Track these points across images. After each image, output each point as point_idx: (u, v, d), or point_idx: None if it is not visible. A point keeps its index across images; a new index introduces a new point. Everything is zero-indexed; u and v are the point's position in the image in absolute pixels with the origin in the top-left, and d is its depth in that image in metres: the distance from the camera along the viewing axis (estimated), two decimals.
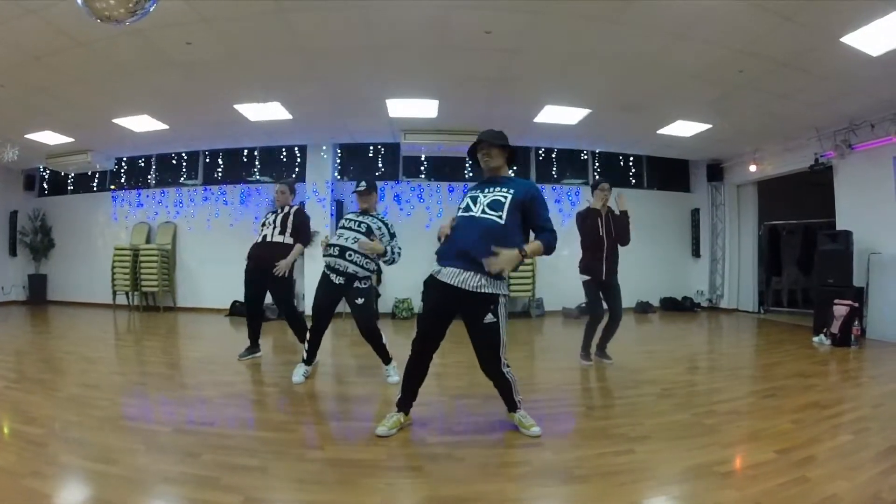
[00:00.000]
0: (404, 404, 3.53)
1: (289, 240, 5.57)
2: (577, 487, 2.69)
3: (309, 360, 4.96)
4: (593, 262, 5.66)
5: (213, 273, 10.63)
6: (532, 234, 3.40)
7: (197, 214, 10.98)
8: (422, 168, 10.75)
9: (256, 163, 10.87)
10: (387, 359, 4.93)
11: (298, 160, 10.64)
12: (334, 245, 4.67)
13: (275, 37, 5.54)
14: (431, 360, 3.48)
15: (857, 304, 7.14)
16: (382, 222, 4.86)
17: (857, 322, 7.07)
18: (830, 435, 3.44)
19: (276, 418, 3.93)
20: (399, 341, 6.99)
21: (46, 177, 12.02)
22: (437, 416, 3.92)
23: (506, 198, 3.28)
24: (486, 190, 3.37)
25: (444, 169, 10.74)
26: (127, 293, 10.87)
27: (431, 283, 3.32)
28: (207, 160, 11.15)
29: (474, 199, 3.37)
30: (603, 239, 5.64)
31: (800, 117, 7.99)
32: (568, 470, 2.88)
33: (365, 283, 4.78)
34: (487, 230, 3.19)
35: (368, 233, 4.68)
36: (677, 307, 11.29)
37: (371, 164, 10.61)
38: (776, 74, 6.31)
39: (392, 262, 4.77)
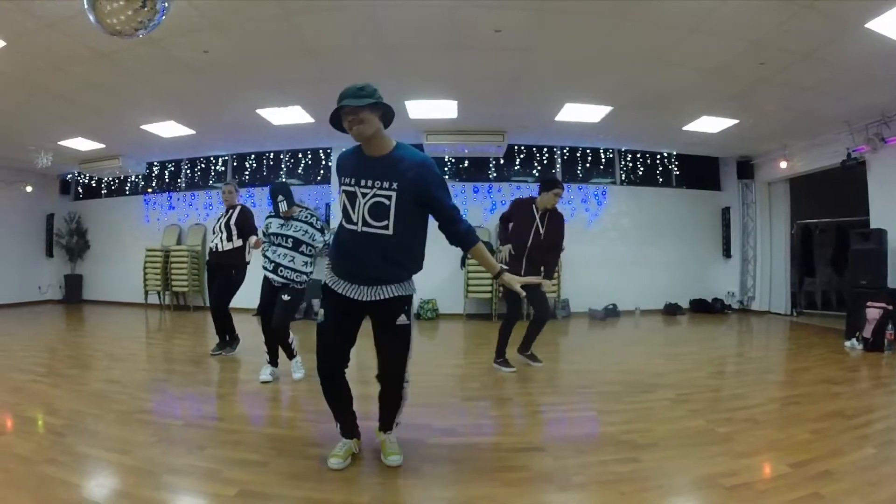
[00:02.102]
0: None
1: (238, 242, 5.84)
2: (574, 495, 2.64)
3: (275, 362, 5.03)
4: (514, 258, 5.30)
5: None
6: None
7: None
8: (446, 169, 10.71)
9: (283, 165, 11.01)
10: (291, 354, 5.00)
11: (323, 162, 10.77)
12: (269, 259, 4.80)
13: (286, 41, 5.58)
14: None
15: (891, 307, 6.79)
16: (307, 223, 4.84)
17: (890, 325, 6.76)
18: (852, 447, 3.25)
19: (285, 415, 4.02)
20: (422, 340, 7.06)
21: (81, 181, 12.41)
22: (442, 417, 3.91)
23: (390, 199, 2.63)
24: (364, 182, 2.66)
25: (468, 169, 10.71)
26: (158, 293, 11.16)
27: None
28: (235, 163, 11.35)
29: (351, 198, 2.69)
30: (530, 237, 5.35)
31: (828, 110, 7.69)
32: (566, 477, 2.81)
33: (300, 286, 4.87)
34: (377, 249, 2.68)
35: (297, 246, 4.77)
36: (707, 309, 11.03)
37: None
38: (800, 66, 6.06)
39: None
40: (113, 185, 12.31)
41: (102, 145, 9.67)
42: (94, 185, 12.39)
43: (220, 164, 11.39)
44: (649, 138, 10.21)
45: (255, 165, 11.16)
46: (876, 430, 3.63)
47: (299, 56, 5.97)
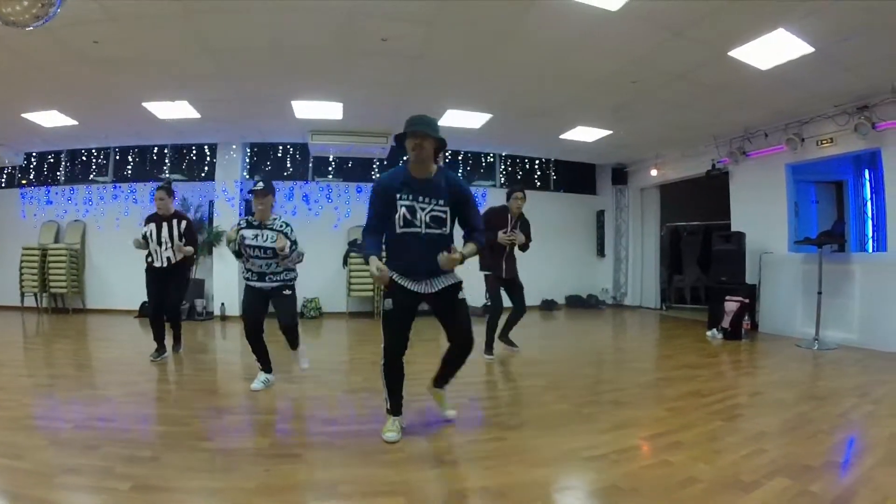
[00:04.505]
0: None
1: (188, 249, 5.74)
2: (445, 471, 2.89)
3: (268, 368, 4.77)
4: (494, 259, 5.86)
5: (123, 274, 10.18)
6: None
7: (107, 213, 10.65)
8: (330, 168, 10.86)
9: (167, 161, 10.69)
10: (298, 343, 4.93)
11: (208, 158, 10.55)
12: (252, 271, 4.58)
13: (181, 37, 5.51)
14: None
15: (747, 300, 7.61)
16: (281, 233, 4.56)
17: (747, 317, 7.57)
18: (703, 421, 3.65)
19: (173, 413, 3.98)
20: (307, 338, 7.09)
21: None
22: (327, 409, 4.10)
23: (445, 212, 3.35)
24: (422, 199, 3.30)
25: (353, 169, 10.89)
26: (35, 294, 10.40)
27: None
28: (118, 157, 10.83)
29: (411, 210, 3.29)
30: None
31: (697, 126, 8.49)
32: (438, 456, 3.07)
33: (292, 282, 4.74)
34: (436, 245, 3.30)
35: (275, 255, 4.52)
36: (582, 304, 11.78)
37: (281, 163, 10.65)
38: (670, 86, 6.66)
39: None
40: None
41: None
42: None
43: (101, 157, 10.85)
44: (529, 144, 10.79)
45: (137, 160, 10.74)
46: (726, 406, 4.10)
47: (192, 52, 5.88)
